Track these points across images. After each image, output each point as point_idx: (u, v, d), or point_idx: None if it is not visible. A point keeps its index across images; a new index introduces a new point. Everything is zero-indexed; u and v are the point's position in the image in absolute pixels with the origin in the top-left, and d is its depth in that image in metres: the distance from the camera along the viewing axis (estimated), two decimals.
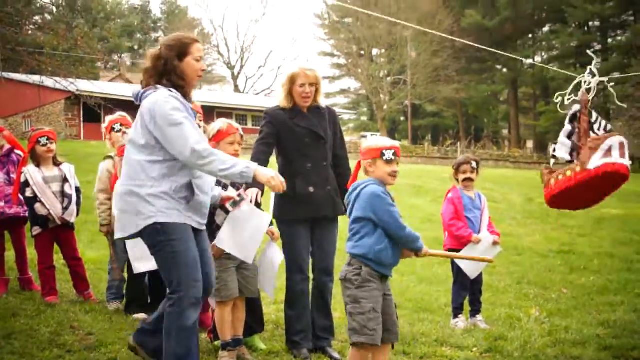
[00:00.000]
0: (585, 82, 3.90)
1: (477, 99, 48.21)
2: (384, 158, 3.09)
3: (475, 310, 5.07)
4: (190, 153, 2.96)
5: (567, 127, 3.91)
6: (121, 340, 3.96)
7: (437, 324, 4.95)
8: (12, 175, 5.12)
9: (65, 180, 5.01)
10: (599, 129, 3.89)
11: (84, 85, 23.59)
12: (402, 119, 55.00)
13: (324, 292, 4.06)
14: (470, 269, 4.93)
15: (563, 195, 3.80)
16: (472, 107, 50.09)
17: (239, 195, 3.66)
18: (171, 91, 3.08)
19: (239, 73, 54.64)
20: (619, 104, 4.58)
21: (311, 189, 3.92)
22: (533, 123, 48.30)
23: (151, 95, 3.08)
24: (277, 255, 3.88)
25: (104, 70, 41.04)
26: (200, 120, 4.17)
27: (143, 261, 4.52)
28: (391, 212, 3.04)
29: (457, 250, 4.91)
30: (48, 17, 26.55)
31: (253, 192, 3.70)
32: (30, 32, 20.94)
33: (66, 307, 4.69)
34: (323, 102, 4.12)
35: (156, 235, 3.02)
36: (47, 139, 4.96)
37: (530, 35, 49.59)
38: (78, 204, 5.10)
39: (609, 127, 3.88)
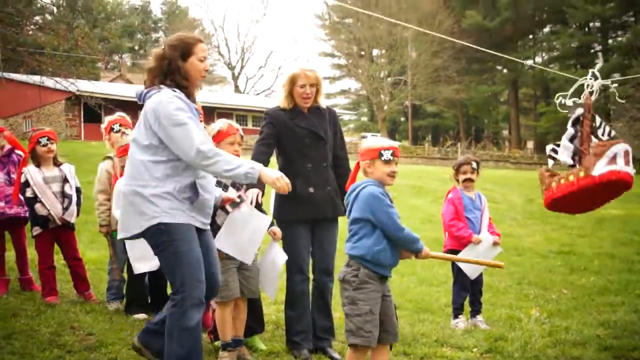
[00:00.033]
0: (587, 85, 3.88)
1: (478, 100, 48.21)
2: (382, 158, 3.09)
3: (476, 311, 5.07)
4: (195, 153, 2.94)
5: (570, 130, 3.89)
6: (121, 340, 3.97)
7: (437, 324, 4.95)
8: (12, 176, 5.12)
9: (65, 180, 5.01)
10: (602, 134, 3.87)
11: (84, 86, 23.61)
12: (402, 119, 55.01)
13: (324, 292, 4.06)
14: (471, 270, 4.93)
15: (564, 200, 3.78)
16: (473, 107, 50.09)
17: (239, 197, 3.66)
18: (175, 91, 3.07)
19: (239, 73, 54.69)
20: (620, 101, 4.57)
21: (311, 190, 3.92)
22: (533, 124, 48.30)
23: (155, 95, 3.07)
24: (279, 256, 3.86)
25: (104, 70, 41.04)
26: (201, 121, 4.17)
27: (143, 261, 4.52)
28: (389, 213, 3.03)
29: (457, 251, 4.91)
30: (49, 17, 26.57)
31: (254, 192, 3.70)
32: (30, 32, 20.95)
33: (66, 308, 4.69)
34: (323, 102, 4.12)
35: (159, 236, 3.01)
36: (47, 139, 4.96)
37: (530, 36, 49.60)
38: (78, 204, 5.10)
39: (613, 133, 3.87)
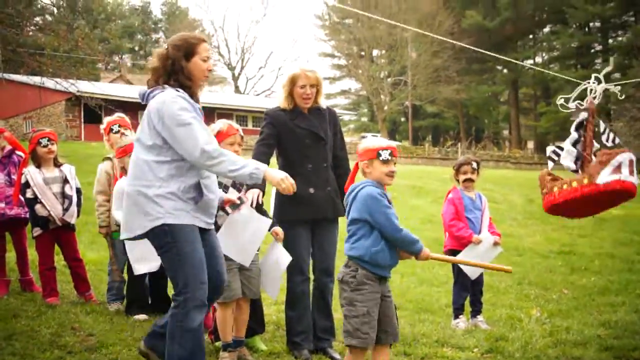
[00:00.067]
0: (591, 90, 3.86)
1: (478, 100, 48.22)
2: (381, 158, 3.09)
3: (476, 311, 5.07)
4: (200, 153, 2.94)
5: (574, 134, 3.87)
6: (122, 341, 3.97)
7: (437, 324, 4.95)
8: (13, 177, 5.13)
9: (65, 181, 5.02)
10: (607, 140, 3.87)
11: (84, 86, 23.60)
12: (402, 119, 55.00)
13: (325, 292, 4.06)
14: (471, 270, 4.92)
15: (566, 205, 3.77)
16: (473, 107, 50.09)
17: (239, 199, 3.66)
18: (178, 91, 3.06)
19: (239, 74, 54.67)
20: (619, 95, 4.54)
21: (311, 190, 3.92)
22: (534, 124, 48.31)
23: (158, 95, 3.05)
24: (283, 257, 3.85)
25: (104, 71, 41.04)
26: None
27: (142, 262, 4.53)
28: (387, 214, 3.03)
29: (458, 251, 4.91)
30: (49, 18, 26.59)
31: (254, 192, 3.70)
32: (31, 33, 20.95)
33: (67, 308, 4.69)
34: (324, 103, 4.12)
35: (163, 237, 3.00)
36: (47, 140, 4.96)
37: (530, 36, 49.60)
38: (79, 205, 5.10)
39: (617, 140, 3.86)
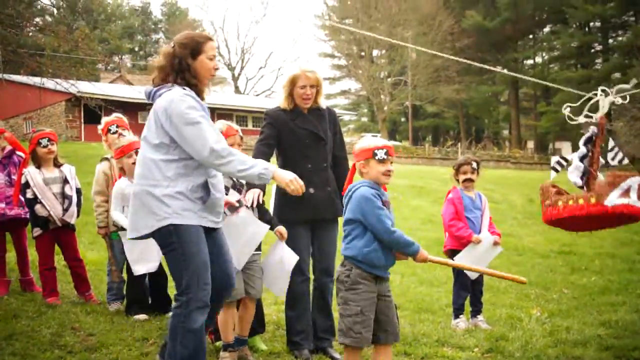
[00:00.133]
0: (603, 105, 3.83)
1: (478, 100, 48.25)
2: (377, 158, 3.10)
3: (476, 311, 5.06)
4: (209, 152, 2.92)
5: (582, 149, 3.85)
6: (122, 341, 3.97)
7: (438, 324, 4.95)
8: (13, 177, 5.13)
9: (65, 181, 5.02)
10: (612, 158, 3.86)
11: (84, 87, 23.63)
12: (402, 119, 55.01)
13: (325, 292, 4.06)
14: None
15: (570, 220, 3.76)
16: (473, 107, 50.11)
17: (238, 201, 3.66)
18: (185, 89, 3.05)
19: (239, 74, 54.68)
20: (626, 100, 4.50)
21: (311, 190, 3.92)
22: (534, 123, 48.32)
23: (166, 93, 3.03)
24: (289, 256, 3.84)
25: (104, 71, 41.02)
26: None
27: (141, 263, 4.54)
28: (378, 215, 3.03)
29: (458, 251, 4.91)
30: (49, 18, 26.63)
31: (255, 192, 3.71)
32: (31, 33, 20.98)
33: (67, 308, 4.69)
34: (324, 103, 4.12)
35: (168, 237, 2.98)
36: (48, 140, 4.96)
37: (530, 36, 49.61)
38: (79, 205, 5.11)
39: (625, 161, 3.85)
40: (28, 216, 5.09)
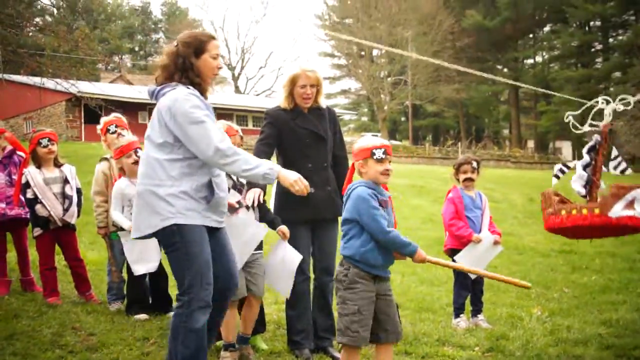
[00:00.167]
0: (605, 113, 3.81)
1: (478, 99, 48.26)
2: (375, 157, 3.10)
3: (477, 310, 5.06)
4: (213, 152, 2.90)
5: (586, 157, 3.85)
6: (123, 340, 3.97)
7: (438, 323, 4.95)
8: (13, 177, 5.13)
9: (66, 181, 5.02)
10: (615, 167, 3.85)
11: (84, 87, 23.63)
12: (402, 119, 55.01)
13: (325, 291, 4.06)
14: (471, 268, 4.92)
15: (572, 229, 3.76)
16: (473, 107, 50.10)
17: (238, 202, 3.66)
18: (189, 88, 3.04)
19: (239, 74, 54.68)
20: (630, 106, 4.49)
21: (312, 190, 3.91)
22: (534, 123, 48.32)
23: (169, 92, 3.02)
24: (291, 255, 3.83)
25: (104, 71, 41.02)
26: None
27: (141, 263, 4.54)
28: (373, 215, 3.03)
29: (458, 250, 4.91)
30: (49, 18, 26.63)
31: (255, 192, 3.71)
32: (31, 33, 20.99)
33: (68, 308, 4.70)
34: (324, 102, 4.12)
35: (171, 237, 2.97)
36: (48, 140, 4.96)
37: (531, 35, 49.61)
38: (79, 205, 5.11)
39: (628, 171, 3.84)
40: (28, 216, 5.09)
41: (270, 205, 4.07)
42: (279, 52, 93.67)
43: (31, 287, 5.34)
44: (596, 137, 3.80)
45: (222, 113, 29.62)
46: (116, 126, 5.05)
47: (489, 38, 46.06)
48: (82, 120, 29.58)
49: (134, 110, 28.15)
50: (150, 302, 4.84)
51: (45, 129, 5.18)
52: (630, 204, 3.53)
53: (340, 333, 3.06)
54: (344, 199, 3.20)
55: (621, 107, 3.80)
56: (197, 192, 2.98)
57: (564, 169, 3.95)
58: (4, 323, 4.21)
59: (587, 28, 46.30)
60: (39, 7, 26.73)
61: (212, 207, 3.03)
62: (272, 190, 4.12)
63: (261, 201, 3.74)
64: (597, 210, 3.57)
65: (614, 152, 3.90)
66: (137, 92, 30.49)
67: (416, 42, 44.85)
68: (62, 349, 3.77)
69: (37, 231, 4.98)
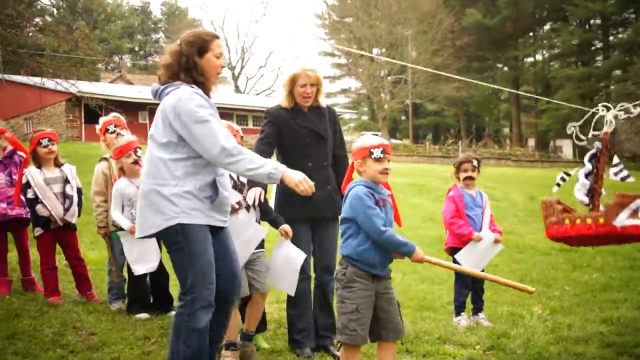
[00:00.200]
0: (605, 118, 3.81)
1: (478, 98, 48.24)
2: (373, 156, 3.10)
3: (478, 308, 5.06)
4: (219, 151, 2.89)
5: (588, 165, 3.84)
6: (124, 340, 3.98)
7: (439, 322, 4.95)
8: (14, 177, 5.14)
9: (66, 181, 5.02)
10: (616, 174, 3.85)
11: (85, 87, 23.66)
12: (403, 118, 55.01)
13: (326, 290, 4.06)
14: (472, 267, 4.91)
15: (576, 238, 3.76)
16: (473, 105, 50.08)
17: (238, 203, 3.65)
18: (193, 87, 3.03)
19: (239, 73, 54.69)
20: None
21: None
22: (534, 121, 48.31)
23: (173, 92, 3.01)
24: (295, 254, 3.83)
25: (104, 71, 41.01)
26: None
27: (141, 263, 4.54)
28: (368, 214, 3.03)
29: (459, 249, 4.91)
30: (49, 18, 26.64)
31: (256, 191, 3.71)
32: (31, 34, 21.02)
33: (69, 308, 4.70)
34: (324, 101, 4.12)
35: (175, 236, 2.96)
36: (48, 140, 4.97)
37: (531, 34, 49.57)
38: (79, 204, 5.11)
39: (630, 179, 3.84)
40: (29, 216, 5.10)
41: (271, 204, 4.07)
42: (279, 52, 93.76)
43: (32, 287, 5.34)
44: (597, 145, 3.80)
45: (222, 112, 29.10)
46: (115, 126, 5.05)
47: (489, 36, 46.02)
48: (82, 120, 29.58)
49: (134, 110, 28.16)
50: (151, 301, 4.84)
51: (45, 129, 5.19)
52: (635, 213, 3.52)
53: (338, 332, 3.07)
54: (344, 197, 3.21)
55: (622, 114, 3.80)
56: (201, 192, 2.98)
57: (565, 177, 3.96)
58: (6, 323, 4.21)
59: (587, 26, 46.27)
60: (38, 7, 26.75)
61: (216, 206, 3.02)
62: (272, 189, 4.12)
63: (262, 200, 3.74)
64: (601, 220, 3.55)
65: (615, 160, 3.90)
66: (137, 92, 30.52)
67: (416, 40, 44.83)
68: (64, 349, 3.78)
69: (38, 231, 4.99)
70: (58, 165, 5.06)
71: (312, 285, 4.11)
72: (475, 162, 5.08)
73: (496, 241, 4.99)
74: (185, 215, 2.94)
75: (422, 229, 10.46)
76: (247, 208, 3.80)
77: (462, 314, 5.02)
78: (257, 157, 2.99)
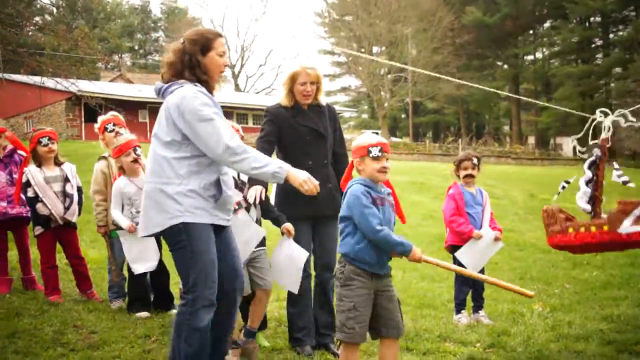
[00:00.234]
0: (603, 124, 3.80)
1: (478, 96, 48.18)
2: (371, 155, 3.10)
3: (478, 306, 5.06)
4: (223, 150, 2.88)
5: (588, 173, 3.84)
6: (124, 338, 3.98)
7: (440, 320, 4.95)
8: (14, 176, 5.14)
9: (66, 180, 5.02)
10: (619, 177, 3.85)
11: (84, 86, 23.66)
12: (403, 116, 54.99)
13: (326, 288, 4.06)
14: (472, 265, 4.92)
15: (580, 246, 3.76)
16: (473, 103, 50.06)
17: (238, 203, 3.65)
18: (197, 85, 3.02)
19: (239, 72, 54.69)
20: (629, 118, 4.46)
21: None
22: (534, 119, 48.29)
23: (177, 90, 3.00)
24: (298, 252, 3.84)
25: (104, 70, 40.98)
26: None
27: (140, 262, 4.54)
28: (364, 213, 3.03)
29: (459, 247, 4.91)
30: (48, 18, 26.65)
31: (257, 189, 3.70)
32: (30, 33, 21.03)
33: (69, 306, 4.71)
34: (323, 100, 4.12)
35: (178, 235, 2.95)
36: (48, 139, 4.97)
37: (531, 32, 49.53)
38: (80, 203, 5.11)
39: (631, 184, 3.84)
40: (29, 215, 5.10)
41: (271, 202, 4.07)
42: (279, 50, 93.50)
43: (32, 286, 5.35)
44: (596, 152, 3.80)
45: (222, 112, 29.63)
46: (114, 124, 5.04)
47: (489, 34, 45.99)
48: (82, 119, 29.59)
49: (134, 109, 28.16)
50: (152, 299, 4.85)
51: (45, 127, 5.19)
52: (638, 219, 3.51)
53: (337, 330, 3.08)
54: (343, 195, 3.21)
55: (621, 119, 3.80)
56: (205, 191, 2.97)
57: (565, 184, 3.96)
58: (6, 321, 4.22)
59: (587, 24, 46.23)
60: (38, 6, 26.76)
61: (220, 205, 3.02)
62: (272, 187, 4.12)
63: (263, 198, 3.74)
64: (605, 227, 3.55)
65: (615, 165, 3.91)
66: (137, 90, 30.50)
67: (416, 39, 44.80)
68: (64, 347, 3.78)
69: (38, 230, 4.99)
70: (58, 164, 5.07)
71: (313, 284, 4.12)
72: (475, 160, 5.07)
73: (496, 239, 4.99)
74: (189, 214, 2.93)
75: (423, 226, 10.47)
76: (247, 208, 3.80)
77: (463, 311, 5.02)
78: (262, 155, 2.98)
